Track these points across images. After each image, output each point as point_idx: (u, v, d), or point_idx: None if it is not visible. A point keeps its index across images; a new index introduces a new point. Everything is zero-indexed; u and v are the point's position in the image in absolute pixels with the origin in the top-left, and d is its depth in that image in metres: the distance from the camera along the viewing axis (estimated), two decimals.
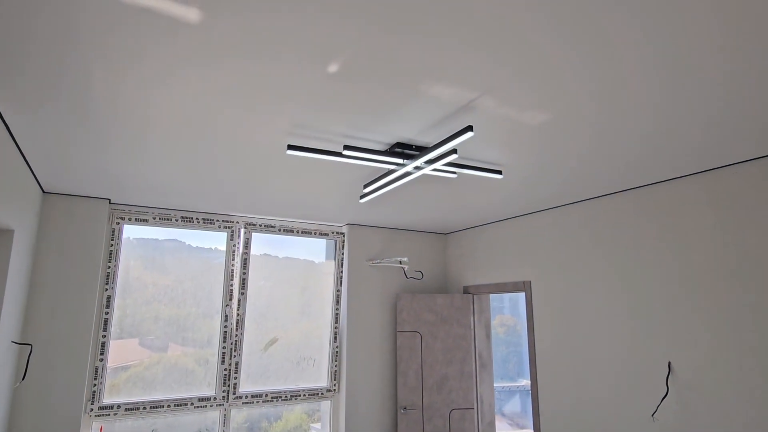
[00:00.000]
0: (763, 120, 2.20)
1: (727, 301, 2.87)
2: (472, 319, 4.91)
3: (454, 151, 2.37)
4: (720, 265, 2.93)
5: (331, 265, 4.95)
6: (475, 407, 4.75)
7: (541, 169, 2.96)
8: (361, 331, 4.76)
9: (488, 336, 5.04)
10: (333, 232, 4.93)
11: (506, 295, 6.01)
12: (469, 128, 2.08)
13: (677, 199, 3.17)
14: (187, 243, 4.44)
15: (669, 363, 3.13)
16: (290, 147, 2.42)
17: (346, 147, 2.42)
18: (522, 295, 6.34)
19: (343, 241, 4.93)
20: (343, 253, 4.90)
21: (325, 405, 4.74)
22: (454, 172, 2.88)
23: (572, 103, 2.05)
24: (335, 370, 4.72)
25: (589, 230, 3.77)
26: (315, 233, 4.85)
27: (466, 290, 5.05)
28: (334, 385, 4.69)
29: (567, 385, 3.81)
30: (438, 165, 2.56)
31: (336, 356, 4.74)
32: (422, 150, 2.51)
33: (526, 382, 5.82)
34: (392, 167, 2.69)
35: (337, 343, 4.77)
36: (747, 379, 2.74)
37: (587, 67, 1.77)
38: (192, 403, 4.08)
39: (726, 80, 1.85)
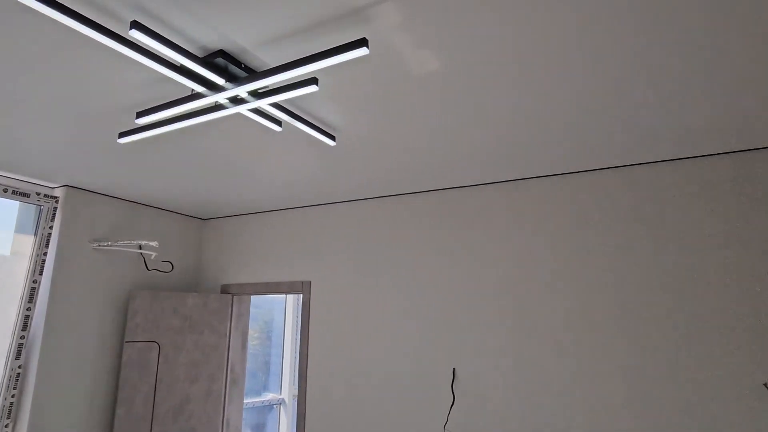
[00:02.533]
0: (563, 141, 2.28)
1: (509, 305, 2.96)
2: (228, 324, 4.03)
3: (314, 80, 1.64)
4: (501, 270, 3.02)
5: (27, 243, 3.29)
6: None
7: (383, 144, 2.48)
8: (65, 343, 3.27)
9: (244, 346, 4.23)
10: (39, 194, 3.30)
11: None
12: (363, 42, 1.41)
13: (469, 205, 3.18)
14: None
15: (454, 369, 3.05)
16: None
17: (136, 25, 1.40)
18: (265, 300, 5.70)
19: (55, 208, 3.35)
20: (51, 227, 3.33)
21: None
22: (280, 122, 2.11)
23: (472, 61, 1.63)
24: (11, 404, 3.08)
25: (376, 228, 3.49)
26: (8, 191, 3.14)
27: (224, 289, 4.14)
28: (7, 425, 3.06)
29: (345, 401, 3.37)
30: (271, 101, 1.77)
31: (16, 382, 3.11)
32: (253, 74, 1.69)
33: (272, 396, 5.19)
34: (199, 89, 1.75)
35: (21, 362, 3.15)
36: (525, 383, 2.84)
37: (507, 26, 1.37)
38: None
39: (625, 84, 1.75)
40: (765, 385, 2.34)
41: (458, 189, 3.27)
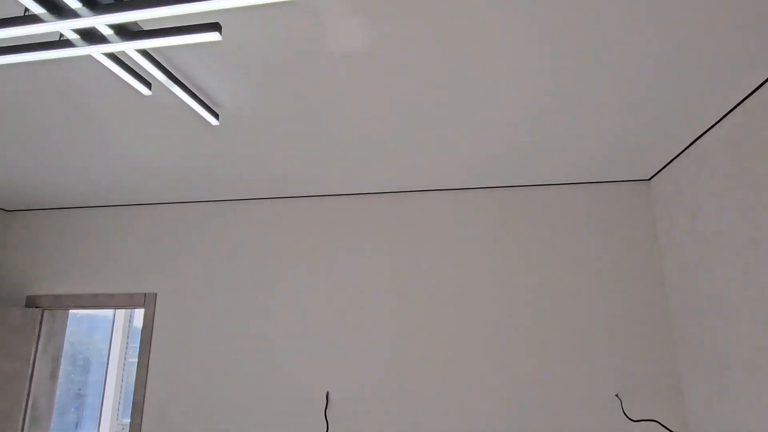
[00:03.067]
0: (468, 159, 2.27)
1: (386, 323, 2.80)
2: (34, 347, 3.13)
3: (216, 27, 1.26)
4: (378, 285, 2.86)
5: None
6: None
7: (278, 134, 2.11)
8: None
9: (54, 374, 3.33)
10: None
11: None
12: None
13: (346, 214, 2.98)
14: None
15: (327, 393, 2.76)
16: None
17: None
18: (78, 317, 4.71)
19: None
20: None
21: None
22: (150, 84, 1.64)
23: (408, 47, 1.44)
24: None
25: (241, 234, 3.07)
26: None
27: (31, 302, 3.22)
28: None
29: None
30: (143, 46, 1.34)
31: None
32: (123, 2, 1.25)
33: None
34: (38, 9, 1.24)
35: None
36: (402, 406, 2.67)
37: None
38: None
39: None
40: (617, 395, 2.54)
41: (336, 197, 3.04)
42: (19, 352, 3.03)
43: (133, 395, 2.94)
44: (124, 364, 4.44)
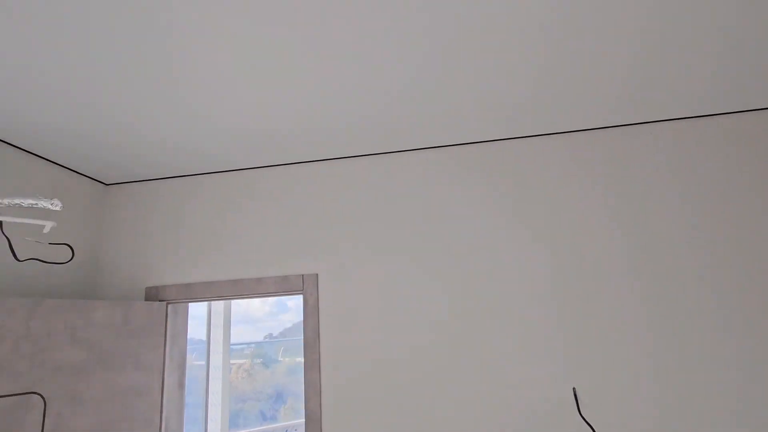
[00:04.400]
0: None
1: (644, 287, 2.15)
2: (163, 351, 2.47)
3: None
4: (615, 256, 2.21)
5: None
6: None
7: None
8: None
9: (181, 383, 2.68)
10: None
11: None
12: None
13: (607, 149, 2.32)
14: None
15: (574, 390, 2.12)
16: None
17: None
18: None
19: None
20: None
21: None
22: None
23: None
24: None
25: (428, 189, 2.41)
26: None
27: (152, 294, 2.56)
28: None
29: None
30: None
31: None
32: None
33: None
34: None
35: None
36: (656, 394, 2.04)
37: None
38: None
39: None
40: None
41: (560, 135, 2.38)
42: (147, 358, 2.36)
43: (305, 404, 2.29)
44: (227, 367, 3.79)
